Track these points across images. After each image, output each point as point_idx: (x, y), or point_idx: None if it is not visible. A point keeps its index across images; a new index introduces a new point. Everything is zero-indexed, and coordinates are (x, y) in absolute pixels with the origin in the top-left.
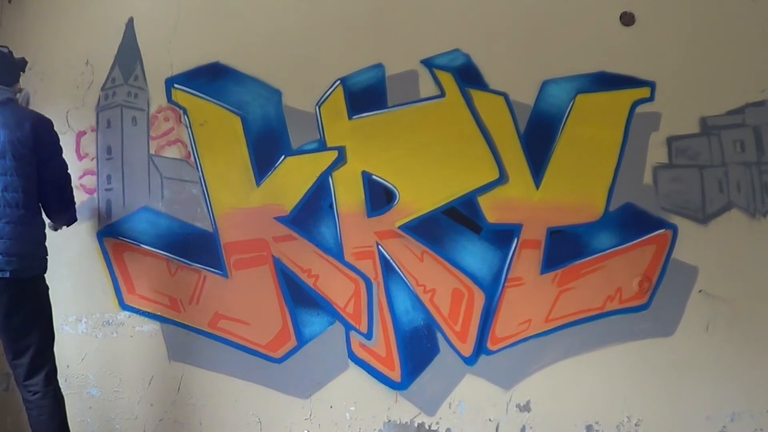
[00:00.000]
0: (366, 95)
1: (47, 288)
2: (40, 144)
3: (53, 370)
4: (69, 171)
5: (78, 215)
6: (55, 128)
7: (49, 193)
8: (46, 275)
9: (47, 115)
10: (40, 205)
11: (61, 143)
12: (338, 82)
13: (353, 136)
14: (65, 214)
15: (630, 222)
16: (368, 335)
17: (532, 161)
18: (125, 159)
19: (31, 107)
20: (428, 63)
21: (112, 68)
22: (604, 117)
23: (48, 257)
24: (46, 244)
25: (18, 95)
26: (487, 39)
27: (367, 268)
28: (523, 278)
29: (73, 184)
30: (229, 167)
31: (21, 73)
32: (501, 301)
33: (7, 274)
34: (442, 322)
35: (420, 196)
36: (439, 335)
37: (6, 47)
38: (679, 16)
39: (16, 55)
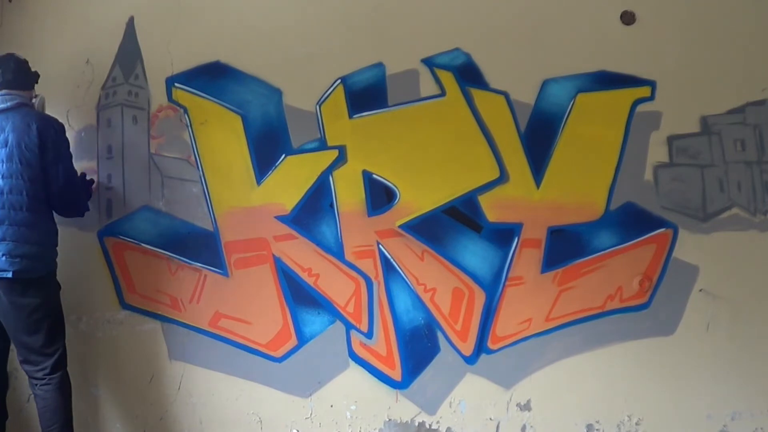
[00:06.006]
0: (366, 94)
1: (57, 286)
2: (44, 147)
3: (59, 363)
4: (72, 174)
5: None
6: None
7: (52, 195)
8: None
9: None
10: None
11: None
12: (339, 81)
13: (354, 135)
14: (70, 212)
15: (630, 221)
16: (369, 334)
17: (533, 160)
18: (126, 158)
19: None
20: (429, 62)
21: (113, 67)
22: (605, 116)
23: (56, 258)
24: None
25: (33, 100)
26: (488, 38)
27: (367, 267)
28: (524, 277)
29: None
30: (229, 166)
31: (35, 82)
32: (501, 300)
33: (10, 275)
34: (443, 321)
35: (420, 195)
36: (439, 334)
37: (20, 56)
38: (680, 15)
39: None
